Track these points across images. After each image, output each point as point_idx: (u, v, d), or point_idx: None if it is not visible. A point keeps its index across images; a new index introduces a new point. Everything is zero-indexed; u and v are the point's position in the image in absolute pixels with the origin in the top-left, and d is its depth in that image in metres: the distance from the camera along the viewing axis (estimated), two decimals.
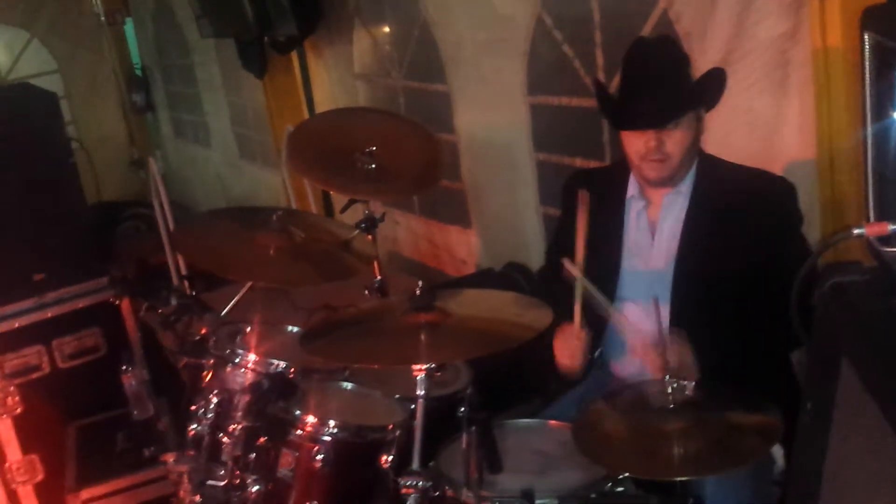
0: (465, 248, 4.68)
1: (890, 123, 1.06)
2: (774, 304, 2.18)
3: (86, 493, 2.97)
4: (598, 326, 2.41)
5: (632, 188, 2.36)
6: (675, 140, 2.19)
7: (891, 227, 1.04)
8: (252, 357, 2.32)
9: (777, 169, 2.68)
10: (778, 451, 2.23)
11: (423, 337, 1.87)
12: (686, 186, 2.28)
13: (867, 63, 1.14)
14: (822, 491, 1.17)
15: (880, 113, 1.09)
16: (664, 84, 2.19)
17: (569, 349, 2.28)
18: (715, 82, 2.26)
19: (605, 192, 2.37)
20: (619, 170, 2.39)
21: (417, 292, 1.90)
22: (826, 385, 1.14)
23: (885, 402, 0.97)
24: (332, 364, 2.36)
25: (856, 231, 1.08)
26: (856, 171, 2.61)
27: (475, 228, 4.58)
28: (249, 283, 2.60)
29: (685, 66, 2.25)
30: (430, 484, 1.83)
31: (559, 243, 2.61)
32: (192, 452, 2.32)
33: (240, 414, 2.25)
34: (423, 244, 4.98)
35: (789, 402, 2.02)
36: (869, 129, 1.11)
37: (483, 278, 3.81)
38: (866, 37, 1.13)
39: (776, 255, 2.19)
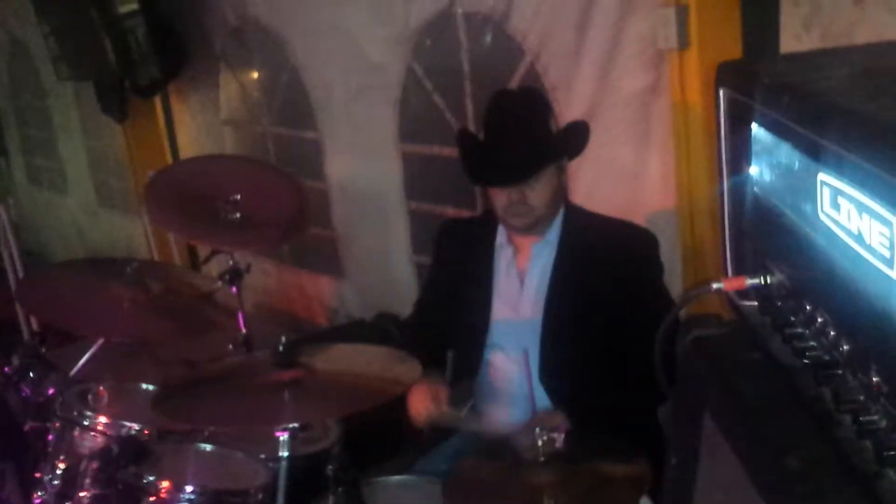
0: (336, 297, 4.60)
1: (744, 178, 1.08)
2: (638, 354, 2.23)
3: None
4: (470, 377, 2.39)
5: (500, 237, 2.36)
6: (537, 192, 2.21)
7: (748, 281, 1.05)
8: (102, 419, 2.18)
9: (640, 218, 2.75)
10: (646, 502, 2.24)
11: (286, 395, 1.78)
12: (553, 236, 2.29)
13: (722, 118, 1.16)
14: None
15: (735, 167, 1.10)
16: (523, 138, 2.20)
17: (422, 404, 2.22)
18: (577, 134, 2.29)
19: (476, 240, 2.36)
20: (489, 218, 2.39)
21: (280, 348, 1.82)
22: (689, 439, 1.14)
23: (745, 456, 0.96)
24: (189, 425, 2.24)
25: (714, 286, 1.09)
26: (714, 222, 2.70)
27: (347, 278, 4.51)
28: (101, 340, 2.45)
29: (546, 117, 2.27)
30: None
31: (429, 293, 2.59)
32: None
33: (88, 481, 2.09)
34: (294, 294, 4.87)
35: (656, 452, 2.04)
36: (725, 183, 1.12)
37: (353, 329, 3.75)
38: (721, 92, 1.15)
39: (638, 305, 2.22)
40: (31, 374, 2.32)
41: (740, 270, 1.11)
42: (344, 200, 4.35)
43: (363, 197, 4.24)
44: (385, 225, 4.15)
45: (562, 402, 2.24)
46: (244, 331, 2.85)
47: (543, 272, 2.29)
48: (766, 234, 1.02)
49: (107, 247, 6.05)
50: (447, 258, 2.48)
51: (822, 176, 0.86)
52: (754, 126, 1.04)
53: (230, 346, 2.81)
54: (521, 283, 2.32)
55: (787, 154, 0.93)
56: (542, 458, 1.93)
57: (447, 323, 2.41)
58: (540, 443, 1.92)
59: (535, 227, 2.27)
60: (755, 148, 1.04)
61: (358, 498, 1.93)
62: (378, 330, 3.60)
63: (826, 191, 0.85)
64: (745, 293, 1.09)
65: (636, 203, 2.88)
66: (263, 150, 4.71)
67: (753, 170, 1.06)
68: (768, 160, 1.01)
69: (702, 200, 2.70)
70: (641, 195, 2.91)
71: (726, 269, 1.16)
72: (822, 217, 0.87)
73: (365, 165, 4.17)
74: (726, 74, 1.12)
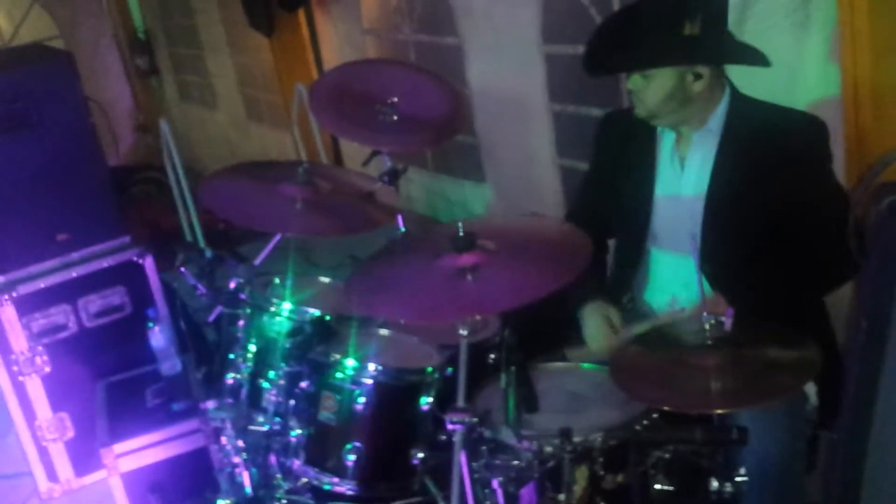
0: (479, 202, 4.68)
1: None
2: (804, 242, 2.22)
3: (118, 448, 2.99)
4: (631, 270, 2.44)
5: None
6: (648, 91, 2.20)
7: None
8: (287, 305, 2.34)
9: (799, 108, 2.69)
10: (811, 389, 2.26)
11: (469, 278, 1.85)
12: (716, 124, 2.28)
13: None
14: (878, 406, 1.19)
15: None
16: (624, 33, 2.20)
17: (601, 334, 2.31)
18: (717, 42, 2.21)
19: (638, 129, 2.37)
20: None
21: (459, 233, 1.88)
22: (882, 301, 1.16)
23: None
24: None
25: None
26: (880, 108, 2.63)
27: (490, 183, 4.58)
28: (279, 236, 2.61)
29: (678, 20, 2.15)
30: (476, 420, 1.85)
31: (590, 184, 2.61)
32: (230, 400, 2.34)
33: (280, 360, 2.28)
34: (438, 200, 4.98)
35: (821, 340, 2.04)
36: None
37: None
38: None
39: (805, 194, 2.19)
40: (221, 266, 2.49)
41: None
42: (486, 105, 4.38)
43: (506, 101, 4.26)
44: (528, 129, 4.17)
45: (724, 289, 2.26)
46: (403, 228, 2.99)
47: (705, 160, 2.28)
48: None
49: (256, 159, 6.29)
50: (608, 150, 2.50)
51: None
52: None
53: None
54: (681, 169, 2.33)
55: None
56: (708, 342, 1.96)
57: (609, 215, 2.45)
58: (707, 326, 1.96)
59: (652, 120, 2.28)
60: None
61: (527, 377, 2.01)
62: None
63: None
64: None
65: (794, 93, 2.82)
66: (405, 59, 4.77)
67: None
68: None
69: (867, 86, 2.63)
70: (800, 84, 2.84)
71: None
72: None
73: (507, 69, 4.18)
74: None
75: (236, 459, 2.27)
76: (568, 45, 3.79)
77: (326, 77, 3.17)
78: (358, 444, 2.15)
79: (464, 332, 1.90)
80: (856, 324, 1.28)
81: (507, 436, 1.95)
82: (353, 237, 3.35)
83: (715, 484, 1.89)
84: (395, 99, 2.88)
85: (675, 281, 2.36)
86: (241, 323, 2.39)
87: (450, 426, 1.84)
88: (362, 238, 3.20)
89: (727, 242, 2.25)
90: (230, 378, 2.36)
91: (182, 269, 2.61)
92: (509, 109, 4.25)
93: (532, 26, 3.88)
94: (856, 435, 1.32)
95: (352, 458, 2.14)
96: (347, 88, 2.94)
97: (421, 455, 2.13)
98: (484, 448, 1.97)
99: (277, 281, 2.52)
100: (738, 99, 2.30)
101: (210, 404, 2.27)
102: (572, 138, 3.93)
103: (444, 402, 2.09)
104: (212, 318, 2.65)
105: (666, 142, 2.35)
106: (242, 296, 2.41)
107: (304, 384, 2.21)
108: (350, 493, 2.16)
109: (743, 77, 2.88)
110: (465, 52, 4.38)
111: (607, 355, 2.21)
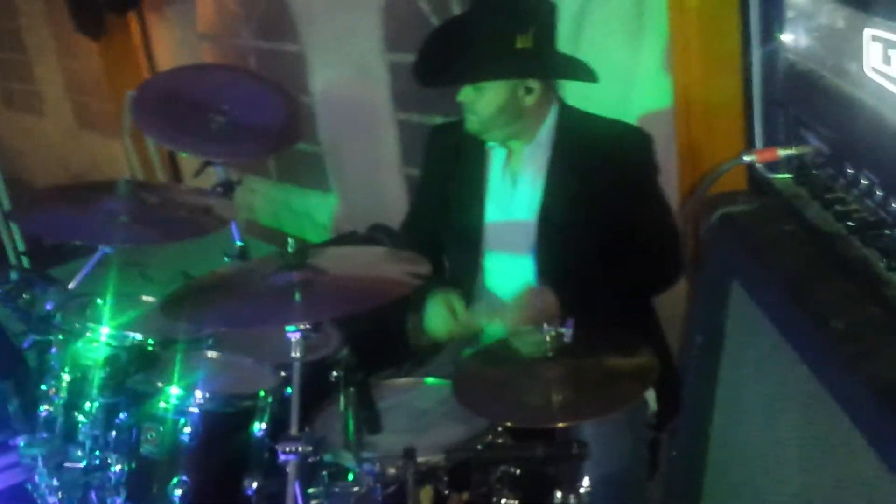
0: (325, 213, 4.57)
1: (776, 47, 1.05)
2: (633, 253, 2.23)
3: None
4: (466, 282, 2.39)
5: None
6: (479, 104, 2.17)
7: (781, 152, 1.03)
8: (105, 330, 2.16)
9: (633, 119, 2.72)
10: (650, 395, 2.28)
11: (297, 296, 1.77)
12: (545, 137, 2.25)
13: None
14: (715, 418, 1.17)
15: (766, 38, 1.07)
16: (457, 46, 2.16)
17: (442, 319, 2.22)
18: (544, 56, 2.18)
19: (467, 142, 2.32)
20: None
21: (289, 250, 1.80)
22: (716, 315, 1.14)
23: (786, 324, 0.96)
24: (194, 333, 2.23)
25: (746, 158, 1.07)
26: (710, 120, 2.69)
27: (335, 192, 4.48)
28: (100, 253, 2.42)
29: (511, 32, 2.13)
30: (310, 448, 1.75)
31: (421, 199, 2.57)
32: (44, 435, 2.14)
33: (96, 391, 2.09)
34: (282, 211, 4.84)
35: (654, 345, 2.06)
36: (755, 54, 1.09)
37: (347, 241, 3.72)
38: None
39: (632, 206, 2.20)
40: (29, 290, 2.28)
41: (770, 144, 1.09)
42: (330, 114, 4.28)
43: (350, 110, 4.18)
44: (373, 137, 4.10)
45: (559, 300, 2.24)
46: (240, 242, 2.85)
47: (537, 174, 2.25)
48: (802, 101, 1.00)
49: (88, 170, 5.94)
50: (438, 162, 2.44)
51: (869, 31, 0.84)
52: None
53: (225, 259, 2.79)
54: (513, 185, 2.30)
55: (829, 12, 0.90)
56: (549, 354, 1.93)
57: (441, 228, 2.39)
58: (547, 338, 1.93)
59: (483, 135, 2.24)
60: (789, 14, 1.01)
61: (368, 397, 1.93)
62: (372, 241, 3.58)
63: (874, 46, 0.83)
64: (774, 166, 1.07)
65: (629, 103, 2.86)
66: (244, 66, 4.61)
67: (787, 37, 1.03)
68: (805, 24, 0.98)
69: (698, 97, 2.68)
70: (635, 95, 2.89)
71: (753, 142, 1.14)
72: (870, 74, 0.84)
73: (351, 77, 4.10)
74: None
75: (51, 500, 2.08)
76: (411, 54, 3.71)
77: (152, 82, 2.99)
78: (184, 477, 2.00)
79: (296, 355, 1.79)
80: (690, 338, 1.25)
81: (348, 459, 1.86)
82: (187, 253, 3.19)
83: (559, 496, 1.86)
84: (227, 106, 2.74)
85: (511, 291, 2.33)
86: (54, 350, 2.19)
87: (282, 457, 1.73)
88: (197, 254, 3.06)
89: (561, 255, 2.24)
90: (43, 410, 2.16)
91: None
92: (354, 118, 4.17)
93: (374, 34, 3.81)
94: (694, 451, 1.30)
95: (178, 492, 1.99)
96: (176, 95, 2.78)
97: (255, 484, 2.01)
98: (324, 473, 1.87)
99: (100, 302, 2.33)
100: (566, 112, 2.29)
101: (20, 440, 2.07)
102: (418, 147, 3.87)
103: (281, 426, 1.98)
104: (26, 344, 2.43)
105: (496, 159, 2.32)
106: (55, 321, 2.21)
107: (122, 416, 2.04)
108: None
109: (579, 87, 2.90)
110: (307, 60, 4.26)
111: (448, 339, 2.21)
